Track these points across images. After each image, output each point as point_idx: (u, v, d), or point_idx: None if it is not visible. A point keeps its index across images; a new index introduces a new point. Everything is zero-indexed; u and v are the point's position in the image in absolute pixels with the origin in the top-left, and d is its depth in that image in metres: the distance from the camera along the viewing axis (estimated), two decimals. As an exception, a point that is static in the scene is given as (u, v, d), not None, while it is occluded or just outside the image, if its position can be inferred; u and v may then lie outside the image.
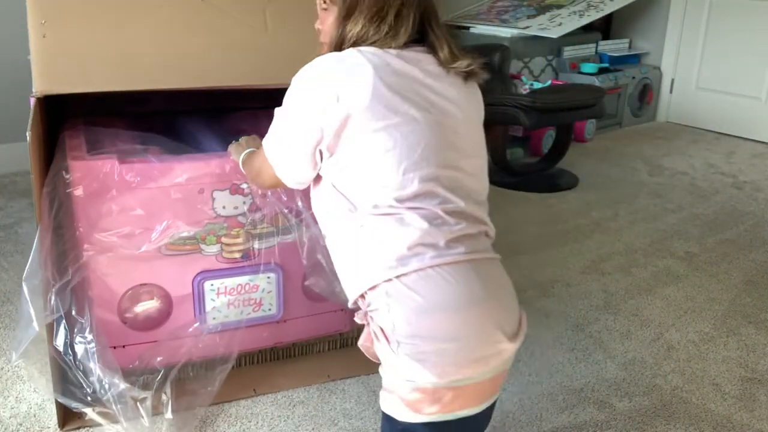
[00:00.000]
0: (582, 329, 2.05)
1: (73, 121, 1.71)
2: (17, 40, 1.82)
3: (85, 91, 1.51)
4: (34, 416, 1.62)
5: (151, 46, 1.61)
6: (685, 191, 3.28)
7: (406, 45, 1.14)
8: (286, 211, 1.57)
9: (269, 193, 1.56)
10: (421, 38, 1.16)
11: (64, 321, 1.46)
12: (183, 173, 1.50)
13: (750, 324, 2.11)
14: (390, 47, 1.12)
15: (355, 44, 1.13)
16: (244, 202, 1.57)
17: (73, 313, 1.48)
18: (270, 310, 1.69)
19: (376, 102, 1.06)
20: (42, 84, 1.45)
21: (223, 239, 1.58)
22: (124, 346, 1.59)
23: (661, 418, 1.67)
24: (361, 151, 1.08)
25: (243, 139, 1.50)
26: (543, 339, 1.98)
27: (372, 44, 1.12)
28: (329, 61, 1.10)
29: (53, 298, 1.43)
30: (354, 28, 1.13)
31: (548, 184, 3.29)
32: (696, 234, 2.78)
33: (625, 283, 2.35)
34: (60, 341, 1.47)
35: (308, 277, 1.63)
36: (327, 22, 1.20)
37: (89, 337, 1.48)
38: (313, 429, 1.60)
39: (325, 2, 1.20)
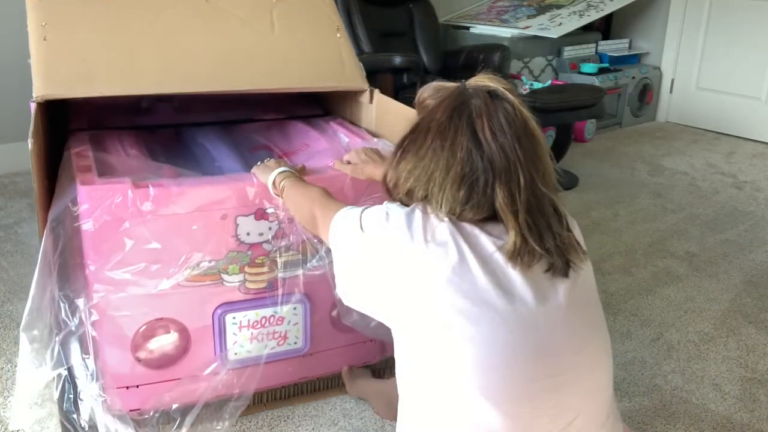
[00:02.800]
0: (582, 329, 2.04)
1: (78, 135, 1.64)
2: (17, 40, 1.82)
3: (87, 96, 1.48)
4: (34, 416, 1.61)
5: (154, 49, 1.58)
6: (685, 191, 3.28)
7: None
8: (314, 239, 1.44)
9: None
10: None
11: (67, 374, 1.36)
12: (204, 198, 1.38)
13: (750, 324, 2.11)
14: None
15: None
16: (270, 228, 1.45)
17: (79, 361, 1.37)
18: (296, 343, 1.57)
19: None
20: (42, 88, 1.41)
21: (247, 268, 1.46)
22: (137, 386, 1.47)
23: (661, 418, 1.67)
24: None
25: (270, 161, 1.44)
26: (543, 339, 1.99)
27: None
28: None
29: (57, 349, 1.32)
30: None
31: (548, 184, 3.28)
32: (696, 234, 2.78)
33: (625, 283, 2.35)
34: (64, 399, 1.36)
35: (341, 311, 1.52)
36: None
37: (97, 389, 1.37)
38: (313, 429, 1.60)
39: None
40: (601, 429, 1.04)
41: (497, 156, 0.97)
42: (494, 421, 0.95)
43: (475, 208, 0.99)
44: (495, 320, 0.95)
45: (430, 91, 1.08)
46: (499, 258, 0.98)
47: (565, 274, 1.00)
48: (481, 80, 1.04)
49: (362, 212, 1.08)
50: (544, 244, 0.98)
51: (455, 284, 0.96)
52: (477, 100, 1.00)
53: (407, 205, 1.05)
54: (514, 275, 0.98)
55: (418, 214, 1.01)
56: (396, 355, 1.06)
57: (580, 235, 1.09)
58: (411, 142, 1.05)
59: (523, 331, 0.96)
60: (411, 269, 0.99)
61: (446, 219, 1.00)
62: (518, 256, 0.97)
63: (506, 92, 1.02)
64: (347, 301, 1.13)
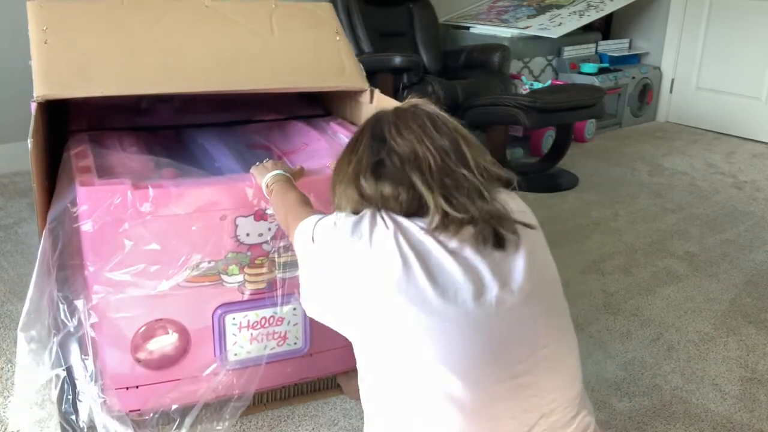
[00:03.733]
0: (582, 329, 2.05)
1: (78, 135, 1.64)
2: (18, 41, 1.83)
3: (87, 96, 1.48)
4: (34, 416, 1.61)
5: (154, 51, 1.59)
6: (685, 191, 3.28)
7: None
8: None
9: None
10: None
11: (66, 375, 1.36)
12: (203, 199, 1.38)
13: (750, 324, 2.11)
14: None
15: None
16: (269, 229, 1.46)
17: (78, 362, 1.37)
18: (296, 344, 1.57)
19: None
20: (43, 88, 1.41)
21: (247, 269, 1.47)
22: (137, 387, 1.46)
23: (661, 418, 1.67)
24: None
25: (268, 162, 1.44)
26: (543, 339, 1.98)
27: None
28: None
29: (55, 350, 1.32)
30: None
31: (548, 184, 3.29)
32: (696, 234, 2.78)
33: (625, 283, 2.35)
34: (63, 399, 1.36)
35: None
36: None
37: (96, 390, 1.37)
38: (313, 429, 1.60)
39: None
40: (568, 427, 1.03)
41: (403, 147, 1.02)
42: (457, 424, 0.95)
43: (390, 186, 1.02)
44: (447, 327, 0.95)
45: None
46: (442, 257, 0.98)
47: (499, 245, 1.00)
48: (408, 101, 1.12)
49: (316, 223, 1.10)
50: (468, 212, 0.99)
51: (403, 290, 0.96)
52: (389, 113, 1.09)
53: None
54: (456, 272, 0.97)
55: (366, 219, 1.03)
56: (357, 365, 1.07)
57: (525, 211, 1.10)
58: (335, 163, 1.14)
59: (476, 333, 0.96)
60: (359, 274, 1.00)
61: (391, 224, 1.01)
62: (442, 225, 0.98)
63: (426, 102, 1.09)
64: (308, 311, 1.14)
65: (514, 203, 1.07)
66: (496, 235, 1.00)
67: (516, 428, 0.97)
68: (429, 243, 0.99)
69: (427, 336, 0.95)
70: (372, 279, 0.98)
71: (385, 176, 1.02)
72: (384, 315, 0.98)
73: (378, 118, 1.09)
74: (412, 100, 1.11)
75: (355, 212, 1.06)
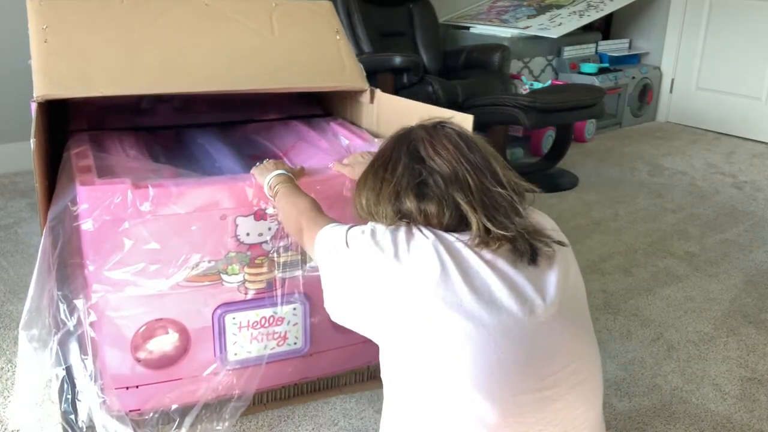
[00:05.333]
0: (582, 329, 2.04)
1: (78, 135, 1.64)
2: (18, 41, 1.82)
3: (87, 96, 1.48)
4: (34, 416, 1.61)
5: (154, 50, 1.59)
6: (685, 191, 3.28)
7: None
8: None
9: None
10: None
11: (66, 375, 1.35)
12: (204, 199, 1.38)
13: (750, 324, 2.11)
14: None
15: None
16: (269, 229, 1.46)
17: (78, 362, 1.37)
18: (296, 344, 1.57)
19: None
20: (43, 88, 1.41)
21: (247, 269, 1.46)
22: (137, 387, 1.46)
23: (661, 418, 1.67)
24: None
25: (269, 162, 1.44)
26: (543, 339, 1.98)
27: None
28: None
29: (55, 348, 1.32)
30: None
31: (548, 184, 3.29)
32: (696, 234, 2.78)
33: (625, 283, 2.35)
34: (63, 399, 1.36)
35: None
36: None
37: (95, 389, 1.37)
38: (313, 429, 1.60)
39: None
40: None
41: (443, 167, 1.05)
42: (482, 430, 0.96)
43: (435, 205, 1.03)
44: (481, 332, 0.96)
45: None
46: (479, 266, 1.00)
47: (533, 260, 1.03)
48: (428, 119, 1.13)
49: (348, 229, 1.11)
50: (508, 229, 1.01)
51: (440, 295, 0.97)
52: (419, 131, 1.10)
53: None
54: (493, 280, 0.99)
55: (402, 230, 1.04)
56: (383, 373, 1.08)
57: (556, 230, 1.13)
58: (362, 179, 1.14)
59: (509, 341, 0.97)
60: (396, 283, 1.01)
61: (430, 234, 1.03)
62: (483, 242, 1.01)
63: (449, 123, 1.11)
64: (335, 318, 1.14)
65: (546, 222, 1.12)
66: (532, 250, 1.03)
67: None
68: (466, 252, 1.01)
69: (460, 340, 0.96)
70: (409, 285, 1.00)
71: (429, 197, 1.04)
72: (419, 318, 0.98)
73: (409, 137, 1.10)
74: (434, 120, 1.13)
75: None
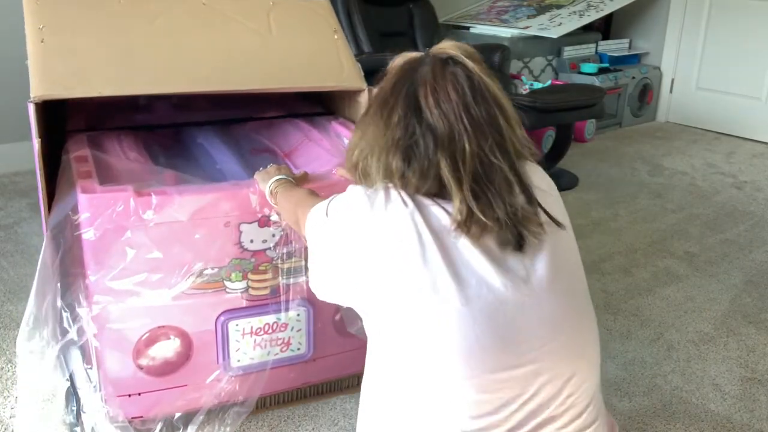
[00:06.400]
0: (582, 329, 2.04)
1: (77, 136, 1.63)
2: (17, 40, 1.82)
3: (85, 96, 1.47)
4: (34, 416, 1.61)
5: (151, 50, 1.58)
6: (685, 191, 3.28)
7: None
8: None
9: None
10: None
11: (69, 386, 1.35)
12: (207, 206, 1.36)
13: (750, 324, 2.11)
14: None
15: None
16: (273, 235, 1.45)
17: (81, 372, 1.36)
18: (299, 349, 1.57)
19: None
20: (40, 89, 1.40)
21: (250, 275, 1.46)
22: (139, 394, 1.45)
23: (661, 418, 1.67)
24: None
25: (271, 167, 1.42)
26: (543, 339, 1.98)
27: None
28: None
29: (57, 359, 1.30)
30: None
31: (548, 184, 3.28)
32: (696, 234, 2.78)
33: (625, 283, 2.35)
34: (67, 409, 1.35)
35: (346, 320, 1.54)
36: None
37: (99, 400, 1.35)
38: (313, 429, 1.60)
39: None
40: (578, 419, 1.01)
41: (439, 123, 0.95)
42: (460, 407, 0.94)
43: (417, 174, 0.96)
44: (460, 311, 0.92)
45: (396, 62, 1.06)
46: (458, 238, 0.94)
47: (519, 248, 0.96)
48: (443, 47, 1.00)
49: (330, 200, 1.06)
50: (494, 213, 0.93)
51: (416, 273, 0.93)
52: (424, 68, 0.98)
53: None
54: (479, 259, 0.94)
55: (380, 193, 0.98)
56: (368, 341, 1.05)
57: (558, 203, 1.05)
58: (362, 118, 1.06)
59: (489, 321, 0.93)
60: (373, 249, 0.96)
61: (409, 201, 0.96)
62: (465, 225, 0.93)
63: (465, 58, 0.98)
64: (319, 293, 1.11)
65: (543, 187, 1.03)
66: (517, 239, 0.96)
67: (520, 414, 0.96)
68: (445, 220, 0.95)
69: (438, 317, 0.93)
70: (386, 255, 0.95)
71: (414, 162, 0.96)
72: (396, 291, 0.95)
73: (413, 76, 0.99)
74: (449, 50, 1.00)
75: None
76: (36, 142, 1.27)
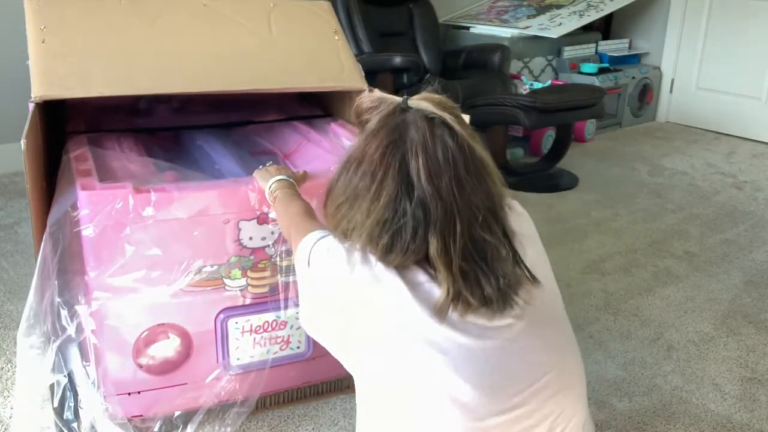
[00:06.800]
0: (582, 329, 2.04)
1: (77, 137, 1.63)
2: (17, 41, 1.82)
3: (85, 96, 1.47)
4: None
5: (152, 50, 1.58)
6: (685, 191, 3.28)
7: None
8: None
9: None
10: None
11: (67, 382, 1.34)
12: (206, 203, 1.36)
13: (750, 324, 2.11)
14: None
15: None
16: (273, 233, 1.44)
17: (79, 369, 1.36)
18: (299, 348, 1.56)
19: None
20: (41, 89, 1.40)
21: (250, 273, 1.45)
22: (139, 392, 1.45)
23: (661, 418, 1.67)
24: None
25: (271, 166, 1.42)
26: (543, 339, 1.99)
27: None
28: None
29: (55, 356, 1.30)
30: None
31: (548, 184, 3.29)
32: (696, 234, 2.78)
33: (625, 283, 2.35)
34: (65, 407, 1.35)
35: None
36: None
37: (98, 397, 1.36)
38: (313, 429, 1.60)
39: None
40: None
41: (432, 203, 0.91)
42: None
43: (401, 255, 0.93)
44: (441, 360, 0.91)
45: (368, 103, 1.02)
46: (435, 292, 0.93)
47: (505, 311, 0.94)
48: (425, 102, 0.97)
49: (314, 245, 1.05)
50: (483, 291, 0.92)
51: (399, 326, 0.93)
52: (414, 133, 0.94)
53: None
54: (452, 316, 0.92)
55: (357, 252, 0.97)
56: (357, 393, 1.05)
57: (536, 246, 1.04)
58: (344, 171, 0.99)
59: (471, 368, 0.91)
60: (354, 303, 0.97)
61: (388, 272, 0.95)
62: (452, 305, 0.91)
63: (450, 119, 0.95)
64: (308, 330, 1.12)
65: (517, 223, 1.01)
66: (502, 304, 0.94)
67: None
68: (428, 284, 0.94)
69: (421, 368, 0.92)
70: (367, 309, 0.96)
71: (400, 241, 0.93)
72: (378, 345, 0.95)
73: (402, 145, 0.94)
74: (431, 109, 0.96)
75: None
76: (23, 143, 1.27)
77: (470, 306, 0.92)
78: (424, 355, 0.92)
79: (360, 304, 0.97)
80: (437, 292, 0.93)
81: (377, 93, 1.02)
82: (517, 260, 0.97)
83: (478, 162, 0.95)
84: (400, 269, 0.95)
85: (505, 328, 0.94)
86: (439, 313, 0.91)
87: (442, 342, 0.92)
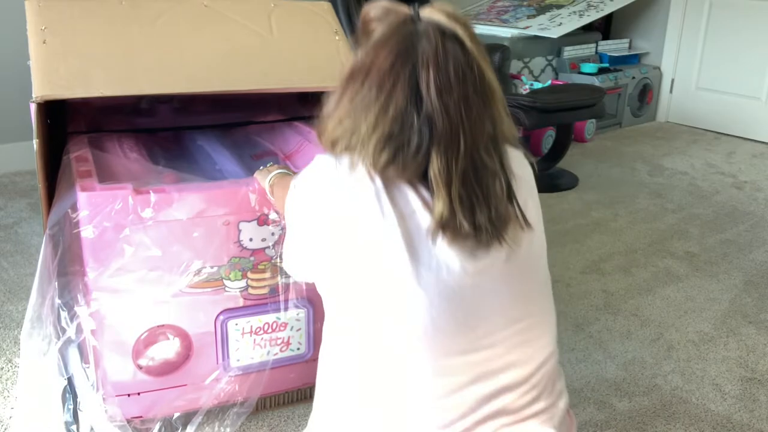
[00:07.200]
0: (582, 329, 2.05)
1: (77, 138, 1.63)
2: (18, 41, 1.82)
3: (86, 96, 1.47)
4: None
5: (153, 51, 1.59)
6: (685, 191, 3.28)
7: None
8: None
9: None
10: None
11: (68, 384, 1.35)
12: (206, 204, 1.36)
13: (750, 324, 2.11)
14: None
15: None
16: (273, 234, 1.44)
17: (79, 370, 1.36)
18: (299, 349, 1.56)
19: None
20: (42, 89, 1.41)
21: (250, 274, 1.45)
22: (139, 394, 1.45)
23: (661, 418, 1.67)
24: None
25: (271, 165, 1.41)
26: (543, 339, 1.99)
27: None
28: None
29: (56, 357, 1.31)
30: None
31: (548, 184, 3.29)
32: (696, 234, 2.78)
33: (625, 283, 2.35)
34: (64, 409, 1.35)
35: None
36: None
37: (97, 399, 1.36)
38: (313, 429, 1.60)
39: None
40: (535, 403, 0.98)
41: (439, 118, 0.88)
42: (410, 390, 0.93)
43: (399, 170, 0.90)
44: (417, 293, 0.90)
45: (377, 12, 0.96)
46: (421, 223, 0.91)
47: (490, 247, 0.93)
48: (438, 13, 0.91)
49: (297, 178, 1.03)
50: (475, 219, 0.90)
51: (375, 251, 0.90)
52: (426, 44, 0.89)
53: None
54: (439, 243, 0.90)
55: (345, 161, 0.94)
56: (325, 320, 1.03)
57: (532, 193, 1.01)
58: (349, 85, 0.94)
59: (446, 304, 0.90)
60: (336, 213, 0.93)
61: (374, 175, 0.92)
62: (442, 229, 0.89)
63: (462, 33, 0.90)
64: (288, 268, 1.09)
65: (516, 164, 0.99)
66: (497, 241, 0.93)
67: (470, 402, 0.94)
68: (415, 204, 0.91)
69: (394, 299, 0.91)
70: (346, 219, 0.93)
71: (401, 156, 0.90)
72: (353, 266, 0.93)
73: (413, 54, 0.89)
74: (444, 20, 0.90)
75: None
76: (35, 143, 1.27)
77: (460, 233, 0.90)
78: (400, 285, 0.90)
79: (342, 222, 0.93)
80: (427, 221, 0.91)
81: (385, 2, 0.97)
82: (511, 197, 0.94)
83: (486, 85, 0.92)
84: (390, 186, 0.92)
85: (486, 269, 0.93)
86: (434, 231, 0.90)
87: (424, 274, 0.90)
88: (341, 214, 0.93)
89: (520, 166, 1.01)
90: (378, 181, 0.92)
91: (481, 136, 0.91)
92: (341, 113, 0.94)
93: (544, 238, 1.04)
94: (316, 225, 0.97)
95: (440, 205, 0.89)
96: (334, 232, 0.94)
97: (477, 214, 0.90)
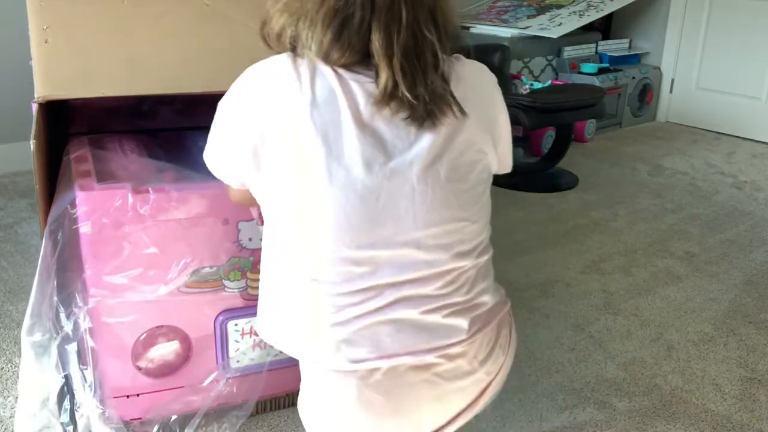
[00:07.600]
0: (582, 329, 2.05)
1: (78, 139, 1.63)
2: (18, 41, 1.83)
3: (88, 96, 1.48)
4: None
5: (155, 51, 1.59)
6: (685, 191, 3.28)
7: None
8: None
9: None
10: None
11: (65, 384, 1.34)
12: (205, 203, 1.36)
13: (750, 324, 2.11)
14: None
15: None
16: None
17: (76, 371, 1.35)
18: None
19: None
20: (44, 89, 1.41)
21: (249, 274, 1.45)
22: (137, 395, 1.45)
23: (661, 418, 1.67)
24: None
25: None
26: (543, 339, 1.99)
27: None
28: None
29: (55, 356, 1.31)
30: None
31: (548, 184, 3.29)
32: (696, 234, 2.78)
33: (625, 283, 2.35)
34: (61, 410, 1.35)
35: None
36: None
37: (94, 400, 1.35)
38: (313, 429, 1.60)
39: None
40: (435, 291, 0.97)
41: None
42: (324, 285, 0.95)
43: (344, 48, 0.90)
44: (337, 188, 0.91)
45: None
46: (345, 118, 0.90)
47: (422, 125, 0.92)
48: None
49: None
50: (416, 91, 0.90)
51: (299, 148, 0.91)
52: None
53: None
54: (356, 137, 0.90)
55: (285, 55, 0.95)
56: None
57: (480, 96, 1.00)
58: None
59: (359, 200, 0.91)
60: (270, 105, 0.93)
61: (318, 61, 0.92)
62: (386, 101, 0.90)
63: None
64: (210, 165, 1.12)
65: (470, 81, 0.99)
66: (425, 116, 0.92)
67: (386, 300, 0.95)
68: (341, 101, 0.91)
69: (312, 193, 0.92)
70: (271, 109, 0.93)
71: (345, 34, 0.90)
72: (281, 156, 0.93)
73: None
74: None
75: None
76: (32, 143, 1.27)
77: (402, 103, 0.90)
78: (316, 182, 0.91)
79: (278, 117, 0.93)
80: (354, 107, 0.91)
81: None
82: (444, 78, 0.94)
83: None
84: (337, 70, 0.92)
85: (406, 168, 0.92)
86: (379, 102, 0.90)
87: (336, 170, 0.90)
88: (279, 109, 0.93)
89: (472, 72, 1.01)
90: (321, 68, 0.92)
91: (422, 9, 0.90)
92: (282, 5, 0.95)
93: (496, 160, 1.04)
94: (252, 120, 0.96)
95: (384, 77, 0.89)
96: (270, 127, 0.93)
97: (417, 84, 0.91)
